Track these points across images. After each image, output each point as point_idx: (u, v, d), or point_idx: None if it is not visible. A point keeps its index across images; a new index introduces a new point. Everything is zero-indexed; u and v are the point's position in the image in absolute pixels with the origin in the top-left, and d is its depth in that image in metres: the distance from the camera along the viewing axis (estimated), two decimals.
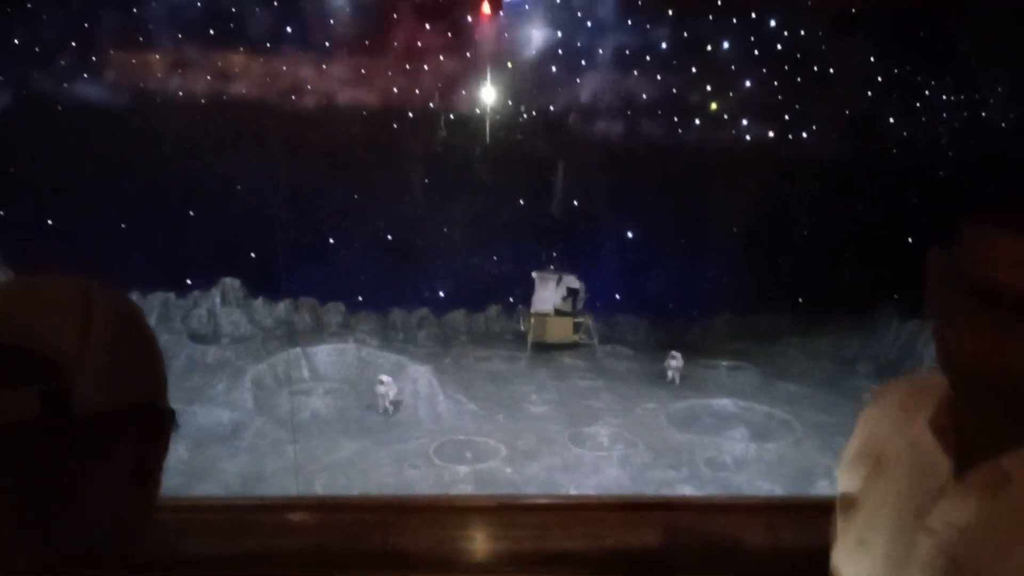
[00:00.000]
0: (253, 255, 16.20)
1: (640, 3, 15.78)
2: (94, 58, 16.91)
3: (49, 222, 16.06)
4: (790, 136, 17.19)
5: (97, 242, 15.18)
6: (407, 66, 17.36)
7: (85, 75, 16.82)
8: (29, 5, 16.49)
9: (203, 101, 16.91)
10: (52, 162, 15.41)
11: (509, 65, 17.19)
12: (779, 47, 16.62)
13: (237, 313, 15.40)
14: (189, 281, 15.68)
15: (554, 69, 17.35)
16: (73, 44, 16.66)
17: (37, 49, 16.63)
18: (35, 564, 0.79)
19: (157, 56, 17.05)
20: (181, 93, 16.89)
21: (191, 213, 16.57)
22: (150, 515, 0.88)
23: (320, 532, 1.89)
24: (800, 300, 16.12)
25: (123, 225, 16.36)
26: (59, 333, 0.79)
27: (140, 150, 15.71)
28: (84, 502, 0.81)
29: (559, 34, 17.18)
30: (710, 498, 7.02)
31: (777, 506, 1.94)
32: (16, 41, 16.59)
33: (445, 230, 17.18)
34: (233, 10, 16.81)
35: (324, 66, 17.37)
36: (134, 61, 17.15)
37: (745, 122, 17.14)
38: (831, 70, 16.66)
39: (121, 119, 16.52)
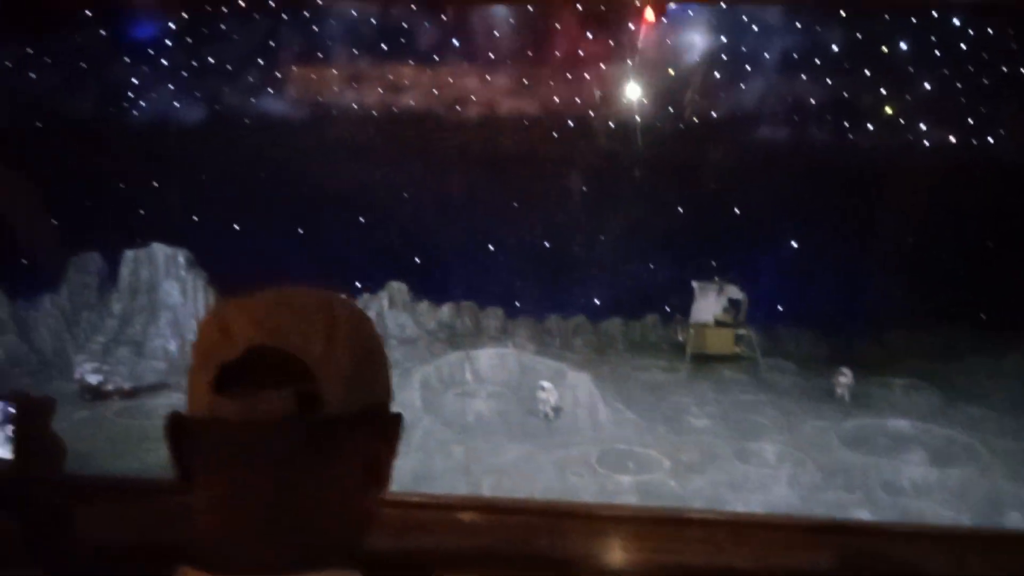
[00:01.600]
0: (418, 260, 16.83)
1: (808, 4, 15.15)
2: (278, 74, 18.08)
3: (235, 227, 17.32)
4: (972, 141, 16.08)
5: (276, 247, 16.24)
6: (568, 75, 17.50)
7: (270, 90, 17.99)
8: (222, 26, 17.80)
9: (375, 113, 17.72)
10: (238, 173, 16.60)
11: (671, 72, 17.00)
12: (961, 46, 15.55)
13: (404, 316, 16.03)
14: (359, 284, 16.45)
15: (718, 75, 17.03)
16: (260, 61, 17.86)
17: (228, 67, 17.95)
18: (285, 555, 0.87)
19: (333, 71, 18.02)
20: (355, 106, 17.76)
21: (362, 220, 17.39)
22: (379, 512, 0.96)
23: (489, 533, 1.95)
24: (982, 315, 15.03)
25: (300, 230, 17.41)
26: (309, 340, 0.88)
27: (317, 160, 16.65)
28: (329, 497, 0.90)
29: (723, 39, 16.82)
30: (890, 525, 6.70)
31: (965, 537, 1.83)
32: (209, 59, 17.98)
33: (602, 237, 17.19)
34: (404, 25, 17.53)
35: (488, 77, 17.80)
36: (313, 76, 18.20)
37: (922, 126, 16.21)
38: (1016, 70, 15.44)
39: (300, 132, 17.58)
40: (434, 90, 17.96)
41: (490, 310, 16.55)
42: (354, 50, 17.86)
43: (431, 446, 10.99)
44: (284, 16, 17.62)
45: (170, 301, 14.67)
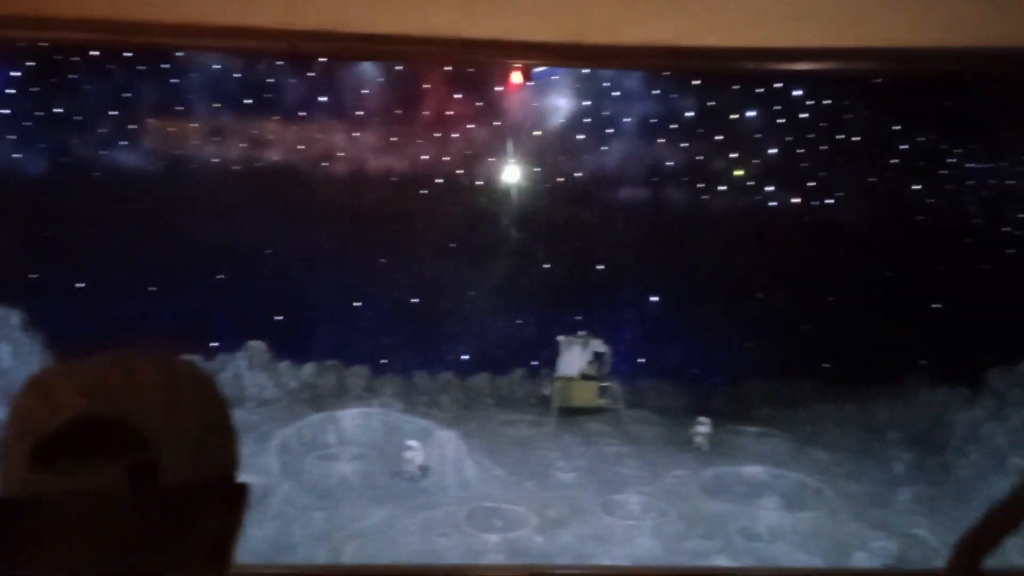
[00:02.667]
0: (280, 318, 16.27)
1: (665, 74, 15.98)
2: (132, 126, 17.33)
3: (78, 285, 16.24)
4: (816, 202, 17.22)
5: (126, 305, 15.35)
6: (437, 134, 17.63)
7: (122, 143, 17.21)
8: (72, 76, 16.97)
9: (236, 168, 17.21)
10: (85, 227, 15.68)
11: (537, 133, 17.41)
12: (805, 115, 16.75)
13: (263, 376, 15.37)
14: (216, 344, 15.71)
15: (581, 137, 17.55)
16: (112, 113, 17.08)
17: (78, 117, 17.08)
18: None
19: (193, 124, 17.45)
20: (215, 160, 17.22)
21: (220, 277, 16.71)
22: None
23: None
24: (827, 366, 15.89)
25: (152, 288, 16.52)
26: (146, 406, 0.79)
27: (172, 215, 15.99)
28: (165, 574, 0.79)
29: (586, 103, 17.42)
30: (747, 570, 6.80)
31: None
32: (58, 109, 17.06)
33: (470, 294, 17.18)
34: (269, 80, 17.25)
35: (356, 133, 17.69)
36: (170, 129, 17.56)
37: (770, 189, 17.20)
38: (856, 137, 16.76)
39: (155, 186, 16.87)
40: (300, 146, 17.68)
41: (356, 368, 16.12)
42: (216, 104, 17.39)
43: (290, 513, 10.45)
44: (141, 67, 16.98)
45: (2, 365, 13.52)
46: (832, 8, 1.79)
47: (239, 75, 17.16)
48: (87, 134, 17.12)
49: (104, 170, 17.01)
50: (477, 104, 17.71)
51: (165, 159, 17.28)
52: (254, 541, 9.69)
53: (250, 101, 17.54)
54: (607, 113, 17.67)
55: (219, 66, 17.31)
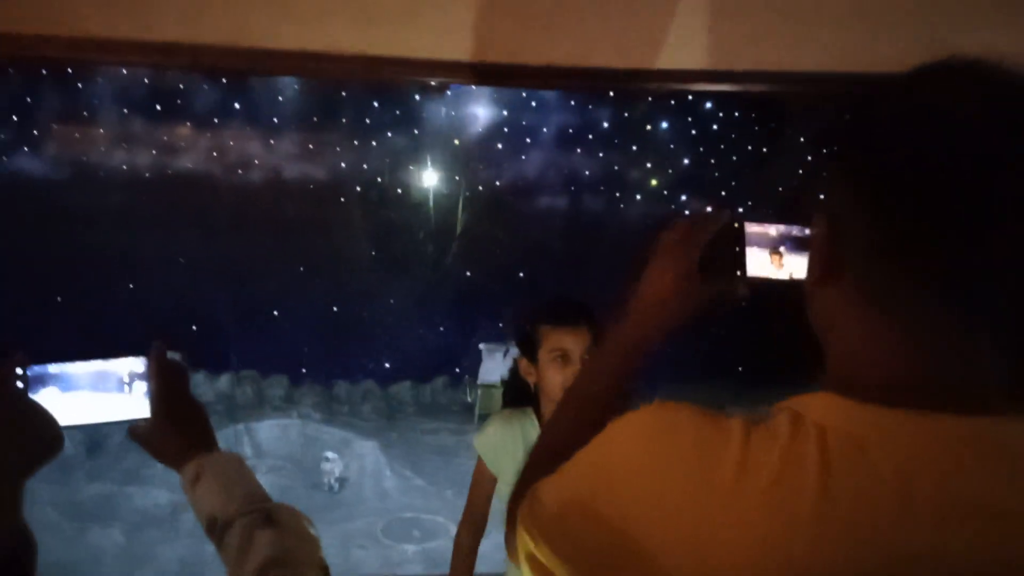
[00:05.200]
0: (194, 328, 15.80)
1: (580, 84, 16.24)
2: (35, 132, 16.61)
3: None
4: (727, 209, 17.68)
5: (32, 317, 14.68)
6: (356, 142, 17.46)
7: (25, 148, 16.47)
8: None
9: (147, 175, 16.69)
10: None
11: (456, 142, 17.42)
12: (715, 127, 17.25)
13: None
14: (126, 356, 15.13)
15: (500, 146, 17.62)
16: (14, 118, 16.34)
17: None
18: None
19: (100, 130, 16.83)
20: (124, 167, 16.65)
21: (131, 286, 16.15)
22: None
23: None
24: (740, 368, 16.33)
25: (59, 299, 15.87)
26: None
27: (81, 224, 15.41)
28: None
29: (504, 113, 17.50)
30: None
31: None
32: None
33: (392, 302, 17.05)
34: (181, 87, 16.76)
35: (271, 141, 17.36)
36: (76, 135, 16.90)
37: (684, 197, 17.59)
38: (758, 149, 17.33)
39: (61, 194, 16.22)
40: (214, 153, 17.25)
41: (274, 378, 15.85)
42: (124, 109, 16.81)
43: (201, 531, 10.12)
44: (43, 71, 16.28)
45: None
46: (724, 32, 1.86)
47: (147, 81, 16.64)
48: None
49: (4, 178, 16.24)
50: (396, 112, 17.62)
51: (71, 166, 16.61)
52: (163, 561, 9.37)
53: (160, 107, 17.02)
54: (525, 123, 17.81)
55: (127, 71, 16.74)
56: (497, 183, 17.81)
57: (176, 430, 1.45)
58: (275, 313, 16.87)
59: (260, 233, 16.72)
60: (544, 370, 2.67)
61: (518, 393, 2.93)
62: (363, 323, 16.90)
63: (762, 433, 0.86)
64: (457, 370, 16.58)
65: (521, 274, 17.40)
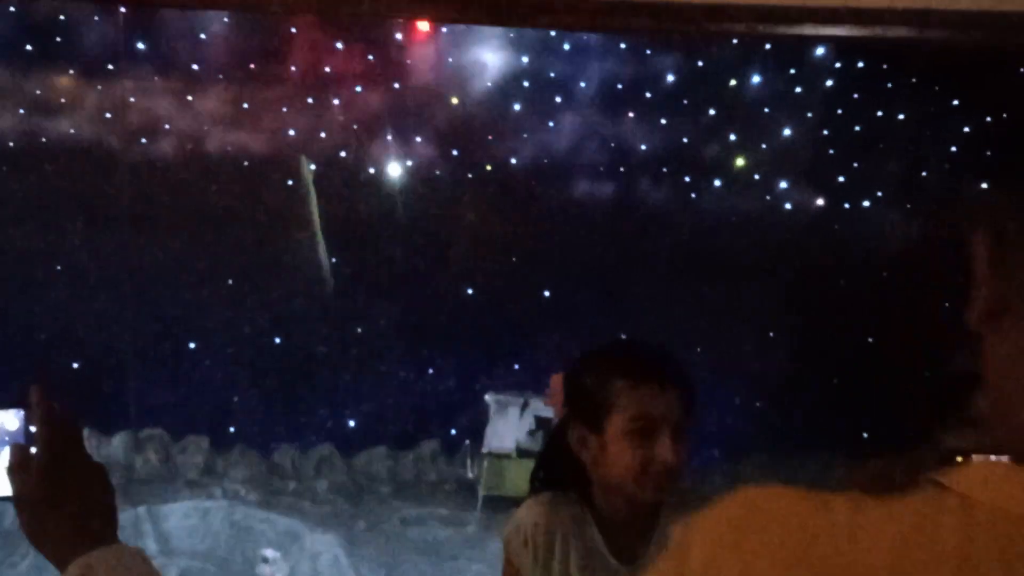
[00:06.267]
0: (75, 366, 15.92)
1: (637, 19, 16.23)
2: None
3: None
4: (848, 205, 17.63)
5: None
6: (309, 100, 17.54)
7: None
8: None
9: (9, 145, 16.84)
10: None
11: (454, 102, 17.46)
12: (831, 84, 17.18)
13: None
14: None
15: (517, 108, 17.64)
16: None
17: None
18: None
19: None
20: None
21: None
22: None
23: None
24: (865, 435, 16.24)
25: None
26: None
27: None
28: None
29: (524, 61, 17.51)
30: None
31: None
32: None
33: (359, 331, 17.09)
34: (61, 18, 16.94)
35: (190, 97, 17.48)
36: None
37: (784, 185, 17.59)
38: (901, 115, 17.25)
39: None
40: (106, 114, 17.39)
41: (190, 440, 16.00)
42: None
43: None
44: None
45: None
46: None
47: (14, 9, 16.84)
48: None
49: None
50: (367, 58, 17.68)
51: None
52: None
53: (32, 48, 17.19)
54: (554, 75, 17.76)
55: None
56: (512, 161, 17.79)
57: (61, 512, 1.49)
58: (191, 345, 16.93)
59: (171, 229, 16.85)
60: (614, 444, 2.69)
61: (560, 473, 2.93)
62: (318, 361, 16.95)
63: (877, 505, 0.99)
64: (453, 431, 16.60)
65: (546, 292, 17.37)
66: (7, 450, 1.51)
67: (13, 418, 1.53)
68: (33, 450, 1.48)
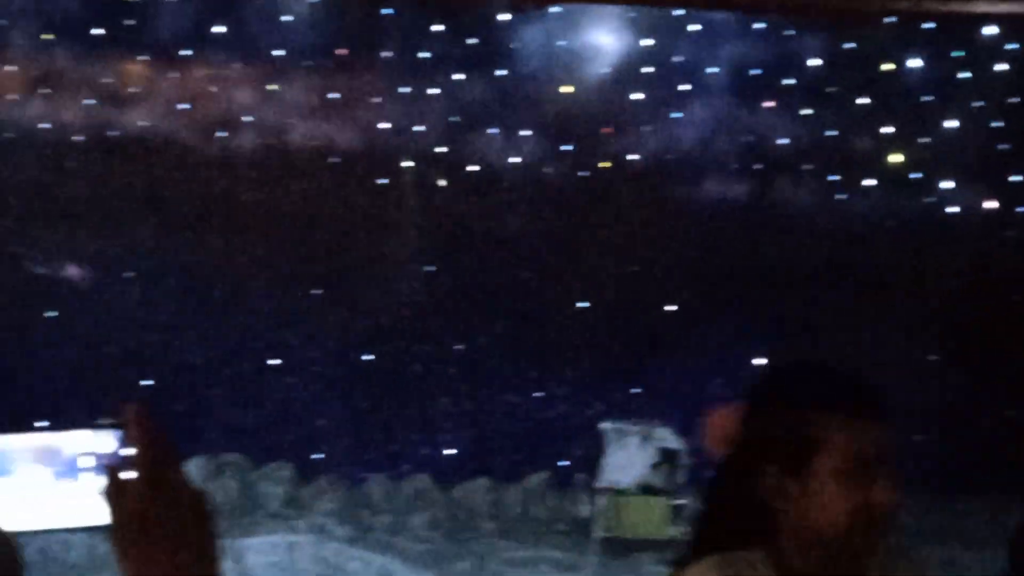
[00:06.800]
0: (148, 383, 16.05)
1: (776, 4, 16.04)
2: None
3: None
4: (1021, 209, 17.28)
5: None
6: (404, 89, 17.55)
7: None
8: None
9: (79, 138, 17.05)
10: None
11: (567, 90, 17.41)
12: (1003, 68, 16.87)
13: None
14: (43, 425, 15.41)
15: (639, 98, 17.55)
16: None
17: None
18: None
19: (9, 68, 17.29)
20: (44, 125, 17.13)
21: (50, 314, 16.46)
22: None
23: None
24: None
25: None
26: None
27: None
28: None
29: (647, 43, 17.43)
30: None
31: None
32: None
33: (459, 348, 17.09)
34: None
35: (272, 87, 17.63)
36: None
37: (948, 185, 17.28)
38: None
39: None
40: (181, 104, 17.56)
41: (271, 468, 16.16)
42: (47, 35, 17.24)
43: None
44: None
45: None
46: None
47: None
48: None
49: None
50: (468, 41, 17.70)
51: None
52: None
53: (102, 31, 17.40)
54: (681, 59, 17.68)
55: None
56: (634, 157, 17.63)
57: (162, 545, 1.42)
58: (273, 362, 17.04)
59: (251, 233, 17.05)
60: (824, 489, 2.51)
61: (737, 527, 2.65)
62: (413, 382, 17.04)
63: None
64: (564, 463, 16.55)
65: (670, 306, 17.22)
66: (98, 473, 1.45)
67: (109, 438, 1.47)
68: (131, 474, 1.40)
